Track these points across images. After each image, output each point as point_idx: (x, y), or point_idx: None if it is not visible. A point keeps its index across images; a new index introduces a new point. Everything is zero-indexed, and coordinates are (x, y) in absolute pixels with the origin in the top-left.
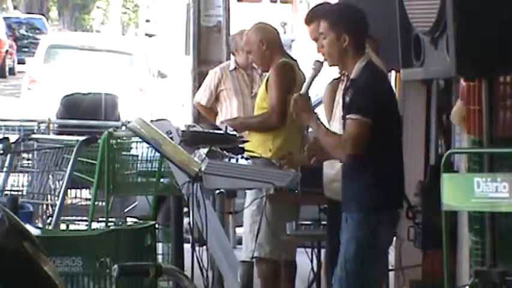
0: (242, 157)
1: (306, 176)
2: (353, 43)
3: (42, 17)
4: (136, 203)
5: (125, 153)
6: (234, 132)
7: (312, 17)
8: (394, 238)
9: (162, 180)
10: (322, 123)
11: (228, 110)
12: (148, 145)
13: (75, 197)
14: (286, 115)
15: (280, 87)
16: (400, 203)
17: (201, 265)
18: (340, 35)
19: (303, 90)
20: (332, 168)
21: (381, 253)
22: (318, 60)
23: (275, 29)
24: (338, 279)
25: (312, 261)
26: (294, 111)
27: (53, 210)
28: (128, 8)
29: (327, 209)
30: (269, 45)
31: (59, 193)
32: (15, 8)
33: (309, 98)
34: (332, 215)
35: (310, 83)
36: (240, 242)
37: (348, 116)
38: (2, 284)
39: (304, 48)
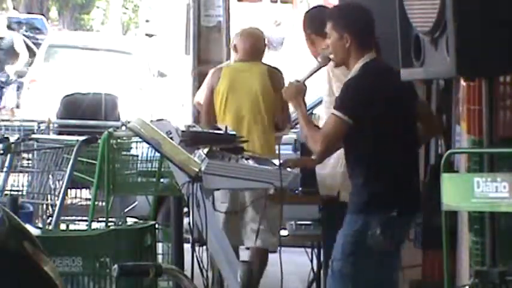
0: (242, 157)
1: (306, 176)
2: (355, 43)
3: (42, 17)
4: (136, 203)
5: (124, 153)
6: (234, 132)
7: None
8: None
9: (162, 180)
10: (306, 113)
11: None
12: (148, 145)
13: (75, 197)
14: (207, 114)
15: (205, 89)
16: (393, 205)
17: (201, 265)
18: (343, 35)
19: (300, 78)
20: (323, 169)
21: (369, 256)
22: (327, 55)
23: (253, 35)
24: (327, 278)
25: (312, 261)
26: (283, 94)
27: (53, 210)
28: (128, 8)
29: (323, 209)
30: (236, 50)
31: (59, 193)
32: (14, 8)
33: (305, 86)
34: (328, 215)
35: (311, 74)
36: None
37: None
38: (2, 284)
39: (296, 47)
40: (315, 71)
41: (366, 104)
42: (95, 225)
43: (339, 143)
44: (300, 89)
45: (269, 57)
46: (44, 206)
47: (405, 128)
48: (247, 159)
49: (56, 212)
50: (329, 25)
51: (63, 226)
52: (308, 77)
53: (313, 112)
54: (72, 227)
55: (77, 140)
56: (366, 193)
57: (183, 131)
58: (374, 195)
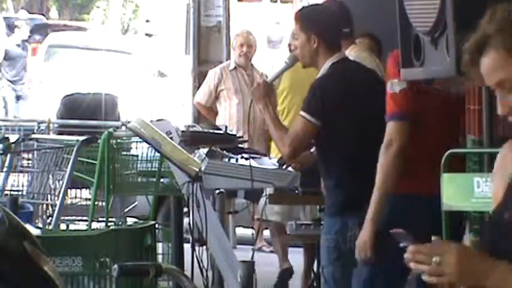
0: (242, 157)
1: (306, 176)
2: (324, 44)
3: (42, 17)
4: (136, 203)
5: (125, 153)
6: (234, 132)
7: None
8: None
9: (162, 180)
10: (274, 114)
11: (228, 110)
12: (148, 145)
13: (75, 197)
14: None
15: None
16: (367, 204)
17: (201, 265)
18: (310, 37)
19: (268, 79)
20: None
21: (353, 257)
22: (295, 55)
23: None
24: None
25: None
26: (252, 96)
27: (53, 210)
28: (128, 8)
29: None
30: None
31: (59, 193)
32: (23, 8)
33: (272, 87)
34: None
35: (278, 75)
36: (240, 242)
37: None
38: (2, 284)
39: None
40: (283, 72)
41: (333, 105)
42: (95, 225)
43: (308, 144)
44: (268, 89)
45: (269, 55)
46: (44, 206)
47: (377, 127)
48: (247, 159)
49: (56, 212)
50: (296, 27)
51: (63, 226)
52: (276, 78)
53: None
54: (72, 227)
55: (77, 140)
56: (340, 194)
57: (183, 131)
58: (348, 195)
